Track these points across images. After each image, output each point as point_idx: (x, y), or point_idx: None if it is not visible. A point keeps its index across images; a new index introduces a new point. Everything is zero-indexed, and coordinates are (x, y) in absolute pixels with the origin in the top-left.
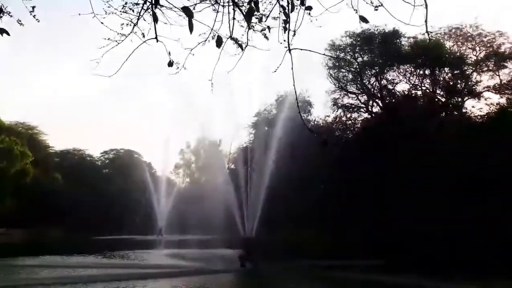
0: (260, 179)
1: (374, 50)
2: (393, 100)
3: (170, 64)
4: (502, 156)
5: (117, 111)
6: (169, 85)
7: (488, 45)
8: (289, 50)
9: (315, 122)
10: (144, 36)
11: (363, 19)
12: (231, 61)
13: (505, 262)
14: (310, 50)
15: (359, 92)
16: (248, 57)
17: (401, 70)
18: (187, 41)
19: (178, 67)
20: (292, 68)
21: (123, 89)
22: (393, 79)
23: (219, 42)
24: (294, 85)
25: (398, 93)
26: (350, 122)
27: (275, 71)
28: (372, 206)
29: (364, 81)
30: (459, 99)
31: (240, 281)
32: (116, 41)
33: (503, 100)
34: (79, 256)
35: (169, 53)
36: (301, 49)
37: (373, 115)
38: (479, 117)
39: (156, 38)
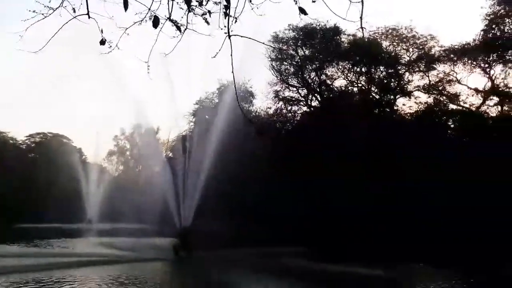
0: (198, 169)
1: (315, 45)
2: (331, 96)
3: (102, 42)
4: (425, 150)
5: (45, 92)
6: (103, 66)
7: (421, 47)
8: (229, 36)
9: (257, 113)
10: (75, 12)
11: (302, 11)
12: (171, 44)
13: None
14: (249, 38)
15: (300, 85)
16: (191, 43)
17: (340, 67)
18: (122, 20)
19: (111, 46)
20: (231, 55)
21: (52, 68)
22: (332, 75)
23: (155, 23)
24: (233, 72)
25: (336, 89)
26: (290, 114)
27: (214, 57)
28: (303, 196)
29: (305, 75)
30: (392, 97)
31: (172, 269)
32: (43, 14)
33: (430, 100)
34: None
35: (102, 30)
36: (241, 36)
37: (312, 109)
38: (408, 114)
39: (88, 14)
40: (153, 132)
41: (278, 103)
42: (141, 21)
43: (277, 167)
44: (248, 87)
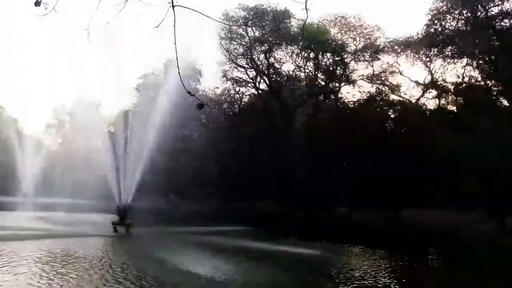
0: (141, 145)
1: (265, 27)
2: (279, 79)
3: (37, 3)
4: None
5: None
6: (41, 31)
7: (367, 36)
8: (173, 6)
9: (204, 92)
10: None
11: None
12: (119, 18)
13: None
14: (195, 10)
15: (248, 67)
16: (139, 15)
17: (288, 51)
18: None
19: (46, 8)
20: (174, 26)
21: None
22: (281, 58)
23: None
24: (175, 43)
25: (283, 72)
26: (238, 95)
27: (156, 27)
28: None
29: (254, 56)
30: (337, 84)
31: (108, 245)
32: None
33: (373, 89)
34: None
35: None
36: (185, 7)
37: (260, 91)
38: (351, 102)
39: None
40: (95, 106)
41: (226, 83)
42: None
43: (226, 147)
44: (196, 65)
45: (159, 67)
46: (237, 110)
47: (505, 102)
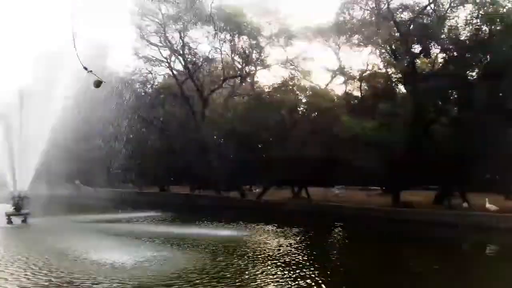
0: (39, 128)
1: (180, 5)
2: (195, 59)
3: None
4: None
5: None
6: None
7: (282, 21)
8: None
9: (115, 72)
10: None
11: None
12: None
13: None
14: None
15: (162, 45)
16: None
17: (204, 31)
18: None
19: None
20: None
21: None
22: (196, 39)
23: None
24: (72, 14)
25: (199, 53)
26: (150, 75)
27: None
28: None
29: (168, 35)
30: (253, 68)
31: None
32: None
33: (286, 74)
34: None
35: None
36: None
37: (175, 71)
38: (266, 86)
39: None
40: None
41: (138, 61)
42: None
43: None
44: (104, 41)
45: (60, 43)
46: (150, 90)
47: (403, 89)
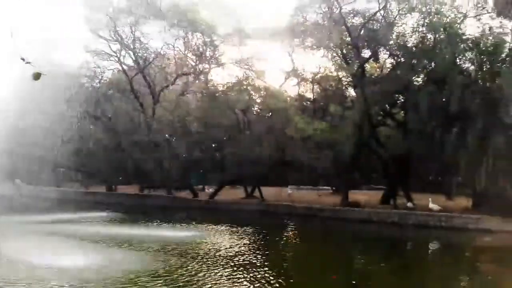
0: None
1: None
2: (146, 55)
3: None
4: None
5: None
6: None
7: (238, 20)
8: None
9: (60, 64)
10: None
11: None
12: None
13: None
14: None
15: (112, 39)
16: None
17: (157, 26)
18: None
19: None
20: None
21: None
22: (148, 34)
23: None
24: None
25: (150, 49)
26: (99, 69)
27: None
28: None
29: (118, 29)
30: (207, 66)
31: None
32: None
33: (241, 74)
34: None
35: None
36: None
37: (125, 66)
38: (221, 85)
39: None
40: None
41: (85, 55)
42: None
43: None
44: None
45: None
46: (98, 85)
47: (353, 92)
